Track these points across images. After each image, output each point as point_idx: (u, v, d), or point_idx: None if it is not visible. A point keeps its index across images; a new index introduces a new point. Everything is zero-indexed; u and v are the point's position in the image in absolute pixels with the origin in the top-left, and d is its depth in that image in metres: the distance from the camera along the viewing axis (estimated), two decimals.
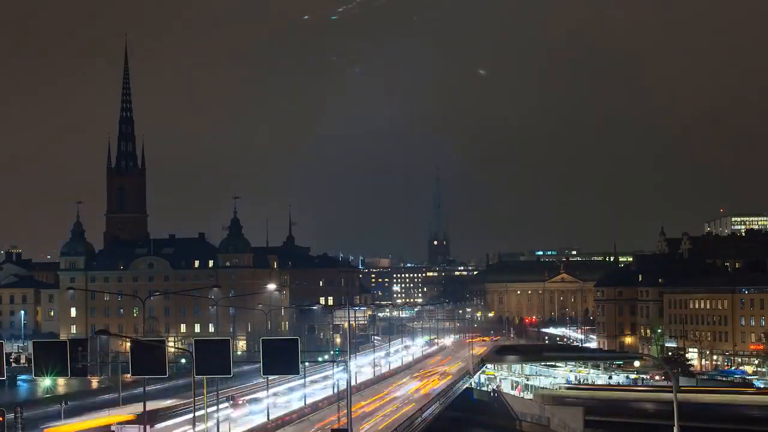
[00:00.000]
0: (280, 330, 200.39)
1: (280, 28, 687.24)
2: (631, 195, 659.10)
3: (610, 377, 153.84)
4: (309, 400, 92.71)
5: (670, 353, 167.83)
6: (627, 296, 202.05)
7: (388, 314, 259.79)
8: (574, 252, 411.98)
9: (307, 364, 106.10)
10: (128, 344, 59.10)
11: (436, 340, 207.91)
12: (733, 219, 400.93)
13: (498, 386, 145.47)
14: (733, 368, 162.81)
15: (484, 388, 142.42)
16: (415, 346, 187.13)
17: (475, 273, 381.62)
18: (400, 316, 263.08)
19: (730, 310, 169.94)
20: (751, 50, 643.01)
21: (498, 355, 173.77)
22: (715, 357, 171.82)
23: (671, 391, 71.72)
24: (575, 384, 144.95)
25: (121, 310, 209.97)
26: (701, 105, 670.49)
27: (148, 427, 64.45)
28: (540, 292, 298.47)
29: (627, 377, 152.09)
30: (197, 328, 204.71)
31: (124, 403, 74.96)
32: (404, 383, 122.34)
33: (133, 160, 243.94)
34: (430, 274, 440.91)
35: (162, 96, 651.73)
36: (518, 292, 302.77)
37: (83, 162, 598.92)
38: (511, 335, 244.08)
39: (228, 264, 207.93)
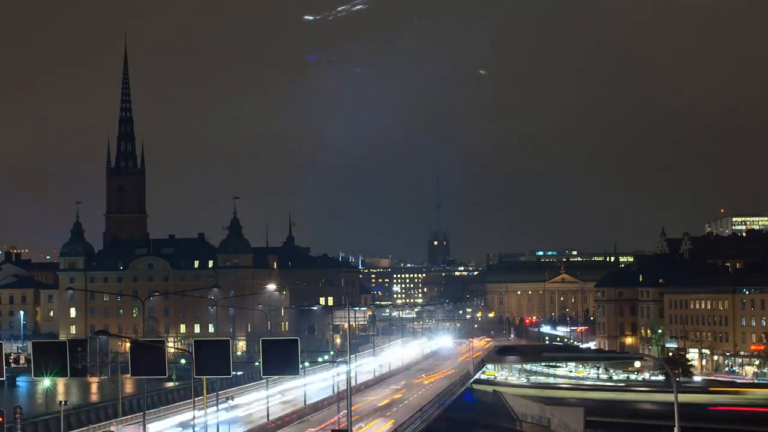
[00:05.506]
0: (280, 330, 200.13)
1: (281, 28, 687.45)
2: (632, 195, 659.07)
3: (611, 377, 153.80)
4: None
5: (670, 354, 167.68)
6: (627, 297, 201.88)
7: (389, 314, 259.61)
8: (575, 252, 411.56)
9: (307, 364, 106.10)
10: (128, 345, 58.86)
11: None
12: (733, 219, 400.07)
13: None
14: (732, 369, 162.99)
15: (485, 389, 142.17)
16: None
17: (475, 273, 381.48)
18: (401, 316, 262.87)
19: (731, 311, 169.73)
20: (752, 52, 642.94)
21: (498, 355, 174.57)
22: (715, 357, 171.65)
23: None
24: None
25: (121, 311, 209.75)
26: (703, 106, 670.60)
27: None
28: (540, 292, 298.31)
29: (628, 377, 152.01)
30: (197, 329, 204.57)
31: None
32: None
33: (132, 160, 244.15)
34: (430, 274, 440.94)
35: (162, 96, 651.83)
36: (518, 293, 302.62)
37: (83, 162, 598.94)
38: (511, 335, 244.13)
39: (228, 264, 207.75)
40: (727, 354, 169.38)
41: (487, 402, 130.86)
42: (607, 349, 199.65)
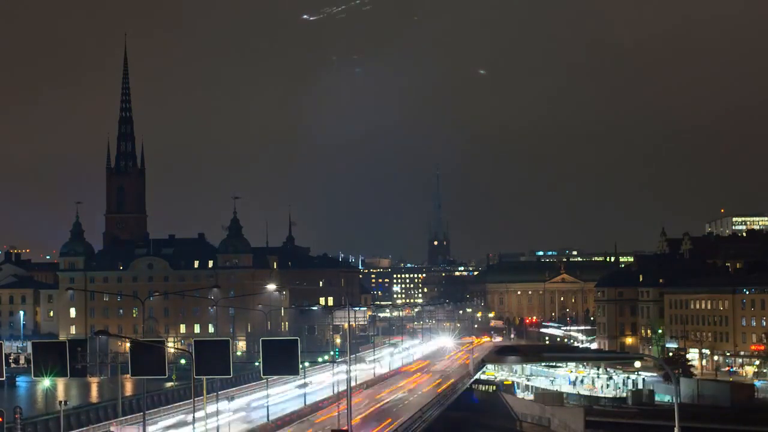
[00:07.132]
0: (280, 330, 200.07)
1: (280, 27, 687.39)
2: (632, 195, 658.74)
3: (610, 378, 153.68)
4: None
5: (670, 354, 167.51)
6: (627, 297, 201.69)
7: (389, 315, 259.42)
8: (575, 252, 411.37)
9: (307, 364, 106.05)
10: (128, 345, 58.79)
11: None
12: (734, 219, 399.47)
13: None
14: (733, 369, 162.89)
15: (485, 389, 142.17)
16: None
17: (475, 273, 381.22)
18: (400, 316, 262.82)
19: (731, 311, 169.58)
20: (752, 53, 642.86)
21: (498, 355, 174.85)
22: (716, 357, 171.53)
23: None
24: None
25: (121, 311, 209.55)
26: (702, 106, 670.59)
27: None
28: (540, 292, 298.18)
29: (627, 377, 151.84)
30: (197, 329, 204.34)
31: None
32: None
33: (132, 160, 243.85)
34: (429, 274, 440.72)
35: (162, 96, 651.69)
36: (518, 293, 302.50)
37: (83, 162, 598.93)
38: (512, 336, 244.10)
39: (228, 264, 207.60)
40: (728, 354, 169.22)
41: (487, 402, 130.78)
42: (607, 349, 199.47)
